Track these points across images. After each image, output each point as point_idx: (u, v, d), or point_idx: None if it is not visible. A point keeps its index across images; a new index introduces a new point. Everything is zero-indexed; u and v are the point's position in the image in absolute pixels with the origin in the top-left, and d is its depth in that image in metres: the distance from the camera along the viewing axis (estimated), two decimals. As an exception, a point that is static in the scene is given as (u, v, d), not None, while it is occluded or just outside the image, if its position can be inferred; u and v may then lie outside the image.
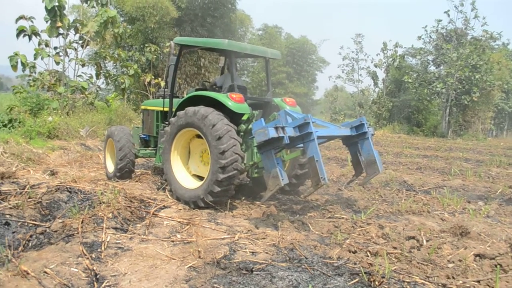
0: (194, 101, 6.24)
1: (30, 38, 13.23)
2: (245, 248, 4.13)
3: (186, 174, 6.18)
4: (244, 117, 5.97)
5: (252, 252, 4.05)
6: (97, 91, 15.70)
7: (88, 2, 14.77)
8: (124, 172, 6.95)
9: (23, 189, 5.35)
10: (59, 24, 13.14)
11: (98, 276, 3.22)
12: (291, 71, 29.77)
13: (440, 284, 3.68)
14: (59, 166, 7.56)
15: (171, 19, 21.07)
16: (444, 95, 26.38)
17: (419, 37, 28.08)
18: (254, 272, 3.52)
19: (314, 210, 6.00)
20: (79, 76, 14.72)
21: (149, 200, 5.76)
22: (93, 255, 3.60)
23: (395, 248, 4.56)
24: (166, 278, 3.27)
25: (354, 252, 4.27)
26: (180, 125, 6.00)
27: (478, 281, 3.77)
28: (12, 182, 5.82)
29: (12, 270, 3.00)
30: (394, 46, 28.55)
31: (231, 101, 5.87)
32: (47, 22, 13.34)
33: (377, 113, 28.47)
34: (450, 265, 4.23)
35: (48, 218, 4.55)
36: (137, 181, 7.10)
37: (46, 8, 12.84)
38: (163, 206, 5.58)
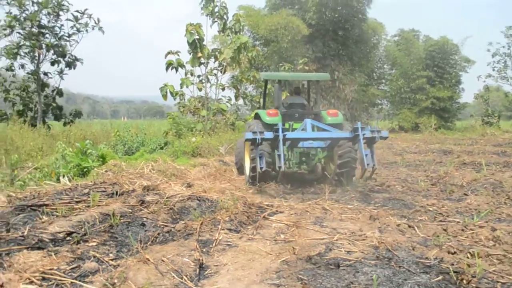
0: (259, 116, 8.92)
1: (176, 70, 15.22)
2: (342, 248, 4.36)
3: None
4: (286, 125, 8.52)
5: (348, 251, 4.27)
6: (236, 111, 17.16)
7: (224, 31, 16.35)
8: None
9: (162, 198, 6.37)
10: (200, 54, 14.87)
11: (203, 265, 3.83)
12: (431, 75, 28.10)
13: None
14: (196, 179, 8.63)
15: (303, 36, 21.90)
16: None
17: None
18: (341, 268, 3.77)
19: (426, 214, 5.88)
20: (219, 99, 16.33)
21: (266, 206, 6.32)
22: (204, 250, 4.24)
23: (505, 250, 4.34)
24: (259, 269, 3.73)
25: (453, 254, 4.19)
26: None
27: None
28: (155, 194, 6.92)
29: (138, 258, 3.76)
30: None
31: (266, 115, 8.57)
32: (190, 54, 15.18)
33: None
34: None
35: (177, 221, 5.38)
36: (260, 190, 7.77)
37: (188, 41, 14.66)
38: (276, 211, 6.09)
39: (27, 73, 16.79)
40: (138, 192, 6.96)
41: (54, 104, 17.48)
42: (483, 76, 32.06)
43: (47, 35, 16.48)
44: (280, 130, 7.32)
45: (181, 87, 15.26)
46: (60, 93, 17.85)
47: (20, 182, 8.89)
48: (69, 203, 5.92)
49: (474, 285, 3.41)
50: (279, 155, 7.23)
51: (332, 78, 23.67)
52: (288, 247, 4.29)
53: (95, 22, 17.38)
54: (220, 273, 3.67)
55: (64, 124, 17.29)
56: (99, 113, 79.92)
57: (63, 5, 16.18)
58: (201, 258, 3.93)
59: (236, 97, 17.23)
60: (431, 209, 6.24)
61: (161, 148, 13.24)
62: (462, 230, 5.01)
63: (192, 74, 16.17)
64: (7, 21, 15.34)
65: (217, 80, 16.57)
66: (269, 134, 7.42)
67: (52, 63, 17.47)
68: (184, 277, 3.53)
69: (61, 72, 17.58)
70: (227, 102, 16.59)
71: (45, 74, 17.28)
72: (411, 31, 30.60)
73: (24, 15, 15.93)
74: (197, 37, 14.83)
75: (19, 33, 16.03)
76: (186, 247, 4.25)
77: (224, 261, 3.95)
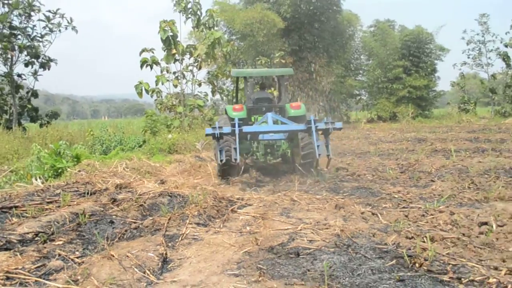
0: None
1: (151, 67, 15.19)
2: (304, 237, 4.51)
3: None
4: (252, 119, 9.19)
5: (310, 240, 4.41)
6: (214, 107, 17.22)
7: (198, 27, 16.36)
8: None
9: (134, 196, 6.44)
10: (174, 51, 14.86)
11: (167, 259, 3.93)
12: (407, 65, 28.47)
13: (491, 267, 3.64)
14: (170, 176, 8.70)
15: (278, 30, 21.98)
16: None
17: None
18: (300, 256, 3.91)
19: (391, 201, 6.07)
20: (196, 95, 16.36)
21: (236, 200, 6.44)
22: (170, 244, 4.35)
23: (463, 234, 4.54)
24: (221, 260, 3.85)
25: (411, 238, 4.37)
26: None
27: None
28: (128, 191, 6.98)
29: (103, 255, 3.84)
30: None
31: (232, 110, 9.05)
32: (164, 51, 15.17)
33: (513, 97, 25.80)
34: (510, 249, 4.08)
35: (146, 218, 5.46)
36: (232, 183, 7.90)
37: (161, 38, 14.64)
38: (246, 204, 6.21)
39: (0, 75, 16.57)
40: (110, 191, 7.01)
41: (30, 106, 17.30)
42: (458, 64, 32.62)
43: (19, 36, 16.25)
44: (236, 125, 7.58)
45: (156, 84, 15.26)
46: (35, 94, 17.66)
47: (11, 186, 8.86)
48: (40, 204, 5.96)
49: (425, 268, 3.57)
50: (234, 148, 7.52)
51: (308, 71, 23.87)
52: (252, 238, 4.42)
53: (68, 22, 17.25)
54: (182, 266, 3.78)
55: (41, 125, 17.13)
56: (79, 113, 79.09)
57: (34, 5, 15.98)
58: (165, 252, 4.03)
59: (213, 93, 17.28)
60: (396, 196, 6.43)
61: (140, 146, 13.27)
62: (423, 215, 5.21)
63: (168, 71, 16.17)
64: (-25, 23, 15.15)
65: (193, 76, 16.62)
66: (227, 129, 7.70)
67: (26, 65, 17.30)
68: (147, 271, 3.62)
69: (35, 73, 17.38)
70: (203, 97, 16.65)
71: (19, 75, 17.07)
72: (386, 21, 30.92)
73: (-6, 16, 15.71)
74: (171, 33, 14.82)
75: (-11, 35, 15.81)
76: (152, 242, 4.35)
77: (188, 255, 4.06)
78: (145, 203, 6.03)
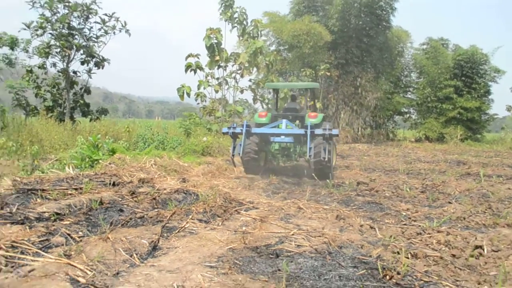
0: None
1: (195, 72, 15.81)
2: (293, 242, 4.69)
3: None
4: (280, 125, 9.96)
5: (298, 245, 4.60)
6: (253, 113, 17.61)
7: (243, 36, 16.85)
8: None
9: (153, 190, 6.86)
10: (217, 58, 15.40)
11: (157, 247, 4.26)
12: (459, 85, 27.58)
13: (463, 287, 3.69)
14: (194, 176, 9.09)
15: (325, 43, 22.10)
16: None
17: None
18: (279, 257, 4.11)
19: (395, 218, 6.11)
20: (236, 101, 16.81)
21: (246, 202, 6.71)
22: (165, 235, 4.68)
23: (453, 255, 4.56)
24: (204, 253, 4.13)
25: (396, 253, 4.44)
26: None
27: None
28: (149, 186, 7.42)
29: (100, 237, 4.23)
30: None
31: (258, 116, 10.57)
32: (208, 57, 15.76)
33: None
34: (492, 273, 4.08)
35: (156, 210, 5.84)
36: (249, 187, 8.17)
37: (206, 45, 15.24)
38: (253, 207, 6.45)
39: (58, 71, 17.81)
40: (133, 184, 7.47)
41: (82, 101, 18.42)
42: (517, 87, 31.23)
43: (76, 36, 17.42)
44: (244, 126, 9.13)
45: (198, 88, 15.85)
46: (87, 91, 18.80)
47: (39, 171, 9.61)
48: (66, 189, 6.49)
49: (394, 280, 3.68)
50: (239, 145, 9.15)
51: (354, 85, 23.75)
52: (243, 237, 4.66)
53: (122, 25, 18.25)
54: (168, 254, 4.09)
55: (90, 120, 18.19)
56: (134, 112, 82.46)
57: (91, 8, 17.10)
58: (157, 241, 4.37)
59: (254, 100, 17.68)
60: (404, 213, 6.45)
61: (174, 148, 13.83)
62: (419, 233, 5.23)
63: (212, 77, 16.76)
64: (39, 23, 16.39)
65: (236, 83, 17.10)
66: (238, 129, 9.30)
67: (82, 63, 18.43)
68: (134, 254, 3.97)
69: (89, 71, 18.52)
70: (243, 104, 17.07)
71: (74, 72, 18.24)
72: (439, 39, 30.14)
73: (55, 17, 16.97)
74: (215, 41, 15.38)
75: (50, 33, 17.06)
76: (150, 231, 4.70)
77: (177, 245, 4.36)
78: (159, 197, 6.42)
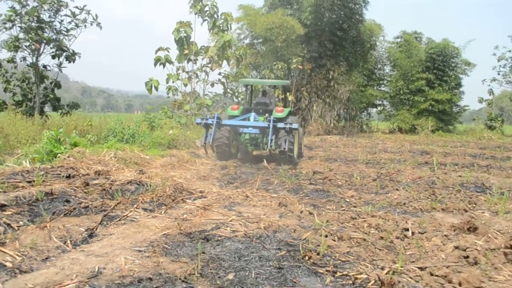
0: None
1: (164, 66, 15.88)
2: (229, 227, 4.91)
3: None
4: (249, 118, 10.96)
5: (233, 230, 4.82)
6: (223, 107, 17.76)
7: (212, 30, 16.96)
8: None
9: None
10: (186, 51, 15.49)
11: (93, 234, 4.43)
12: (431, 77, 28.15)
13: (379, 266, 3.95)
14: (153, 168, 9.25)
15: (298, 36, 22.26)
16: None
17: None
18: (209, 241, 4.33)
19: (337, 204, 6.38)
20: (206, 95, 16.95)
21: (197, 192, 6.90)
22: (105, 223, 4.85)
23: (381, 238, 4.84)
24: (137, 239, 4.32)
25: (326, 236, 4.69)
26: None
27: (421, 268, 3.91)
28: (105, 178, 7.55)
29: (39, 225, 4.39)
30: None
31: (230, 110, 11.72)
32: (178, 50, 15.85)
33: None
34: (408, 252, 4.37)
35: (102, 200, 5.99)
36: (204, 178, 8.36)
37: (174, 39, 15.31)
38: (201, 196, 6.66)
39: (27, 65, 17.68)
40: (89, 176, 7.61)
41: (52, 96, 18.32)
42: (488, 80, 32.00)
43: (46, 30, 17.30)
44: (215, 118, 10.15)
45: (167, 82, 15.95)
46: (58, 85, 18.69)
47: (3, 166, 9.65)
48: (19, 182, 6.60)
49: (312, 260, 3.92)
50: (210, 134, 10.08)
51: (327, 78, 24.04)
52: (179, 224, 4.86)
53: (93, 18, 18.17)
54: (102, 241, 4.27)
55: (61, 114, 18.12)
56: (113, 106, 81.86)
57: (61, 1, 16.99)
58: (94, 228, 4.54)
59: (224, 93, 17.83)
60: (347, 200, 6.73)
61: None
62: (354, 218, 5.51)
63: (183, 70, 16.86)
64: (7, 15, 16.23)
65: (207, 76, 17.24)
66: (210, 120, 10.17)
67: (53, 57, 18.31)
68: (68, 241, 4.14)
69: (60, 65, 18.41)
70: (213, 97, 17.22)
71: (44, 66, 18.13)
72: (413, 33, 30.66)
73: (25, 10, 16.82)
74: (185, 34, 15.47)
75: (19, 27, 16.91)
76: (90, 220, 4.87)
77: (114, 232, 4.55)
78: (110, 188, 6.58)
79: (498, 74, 31.71)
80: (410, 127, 28.06)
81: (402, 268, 3.82)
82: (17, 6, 16.70)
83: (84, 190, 6.34)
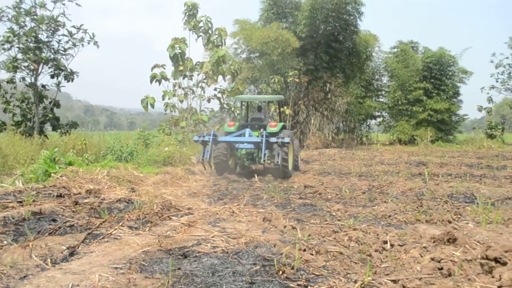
0: None
1: (159, 83, 16.11)
2: (210, 243, 4.99)
3: None
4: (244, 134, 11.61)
5: (213, 246, 4.90)
6: (220, 122, 17.94)
7: (207, 45, 17.21)
8: None
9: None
10: (181, 68, 15.72)
11: (73, 252, 4.52)
12: (429, 87, 28.29)
13: (352, 280, 4.01)
14: (146, 186, 9.36)
15: (294, 49, 22.50)
16: None
17: None
18: (187, 258, 4.41)
19: (322, 218, 6.44)
20: (202, 111, 17.13)
21: (184, 209, 6.99)
22: (87, 241, 4.94)
23: (360, 251, 4.90)
24: (116, 256, 4.41)
25: (304, 251, 4.76)
26: None
27: (395, 280, 3.97)
28: (96, 196, 7.67)
29: (21, 244, 4.48)
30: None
31: (227, 126, 12.15)
32: (173, 67, 16.08)
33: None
34: (383, 265, 4.43)
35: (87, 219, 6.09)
36: (194, 195, 8.46)
37: (169, 55, 15.56)
38: (188, 213, 6.74)
39: (26, 85, 17.95)
40: (81, 195, 7.73)
41: (51, 115, 18.55)
42: (486, 88, 32.12)
43: (44, 50, 17.60)
44: (212, 135, 10.85)
45: (163, 99, 16.17)
46: (57, 104, 18.93)
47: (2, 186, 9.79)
48: (10, 202, 6.73)
49: (285, 275, 3.99)
50: (207, 151, 10.82)
51: (324, 90, 24.20)
52: (160, 241, 4.95)
53: (90, 37, 18.48)
54: (81, 259, 4.36)
55: (60, 134, 18.32)
56: (116, 124, 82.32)
57: (58, 21, 17.31)
58: (76, 246, 4.64)
59: (221, 109, 18.01)
60: (334, 214, 6.80)
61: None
62: (336, 232, 5.57)
63: (180, 87, 17.08)
64: (5, 37, 16.57)
65: (204, 92, 17.44)
66: (207, 138, 10.89)
67: (52, 76, 18.60)
68: (48, 259, 4.23)
69: (58, 85, 18.68)
70: (209, 113, 17.39)
71: (43, 86, 18.39)
72: (409, 42, 30.92)
73: (22, 30, 17.16)
74: (179, 51, 15.71)
75: (18, 47, 17.24)
76: (74, 238, 4.97)
77: (95, 250, 4.64)
78: (99, 206, 6.68)
79: (497, 81, 31.90)
80: (409, 138, 28.10)
81: (373, 281, 3.88)
82: (15, 27, 17.06)
83: (73, 209, 6.45)
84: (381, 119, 31.70)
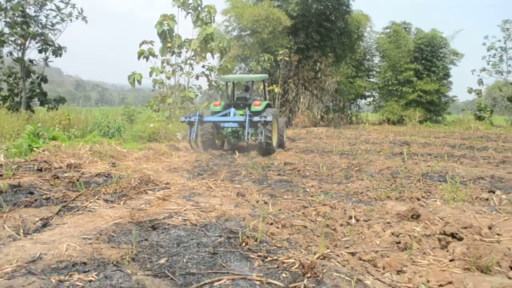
0: None
1: (147, 59, 16.06)
2: (181, 217, 5.15)
3: None
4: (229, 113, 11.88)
5: (184, 219, 5.06)
6: (208, 99, 17.98)
7: (195, 23, 17.10)
8: None
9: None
10: (169, 44, 15.67)
11: (46, 223, 4.67)
12: (419, 68, 28.33)
13: (312, 252, 4.20)
14: (128, 161, 9.48)
15: (285, 28, 22.40)
16: None
17: None
18: (155, 229, 4.57)
19: (295, 193, 6.62)
20: (190, 88, 17.15)
21: (162, 184, 7.14)
22: (61, 213, 5.09)
23: (327, 225, 5.08)
24: (87, 228, 4.56)
25: (271, 224, 4.94)
26: None
27: (352, 253, 4.16)
28: (76, 171, 7.79)
29: (-5, 216, 4.62)
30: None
31: (213, 106, 12.50)
32: (161, 43, 16.03)
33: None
34: (344, 239, 4.62)
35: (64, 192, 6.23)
36: (175, 170, 8.60)
37: (157, 32, 15.49)
38: (165, 187, 6.89)
39: (13, 59, 17.85)
40: (61, 169, 7.84)
41: (39, 90, 18.50)
42: (477, 70, 32.22)
43: (31, 24, 17.44)
44: (197, 115, 11.27)
45: (150, 75, 16.17)
46: (44, 79, 18.87)
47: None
48: (-11, 176, 6.85)
49: (248, 247, 4.16)
50: (193, 131, 11.27)
51: (314, 70, 24.18)
52: (132, 213, 5.10)
53: (79, 12, 18.32)
54: (53, 230, 4.51)
55: (48, 109, 18.31)
56: (107, 100, 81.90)
57: (45, -5, 17.16)
58: (50, 218, 4.78)
59: (209, 86, 18.04)
60: (307, 190, 6.98)
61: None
62: (305, 207, 5.76)
63: (168, 63, 17.05)
64: (-9, 11, 16.45)
65: (192, 69, 17.41)
66: (193, 118, 11.26)
67: (40, 51, 18.48)
68: (21, 230, 4.38)
69: (46, 60, 18.57)
70: (197, 90, 17.43)
71: (30, 61, 18.29)
72: (402, 23, 30.80)
73: (9, 4, 16.97)
74: (168, 27, 15.64)
75: (5, 21, 17.07)
76: (48, 210, 5.11)
77: (67, 222, 4.78)
78: (77, 180, 6.81)
79: (488, 64, 31.98)
80: (398, 118, 28.27)
81: (331, 253, 4.07)
82: (2, 1, 16.87)
83: (51, 183, 6.57)
84: (371, 99, 31.77)
